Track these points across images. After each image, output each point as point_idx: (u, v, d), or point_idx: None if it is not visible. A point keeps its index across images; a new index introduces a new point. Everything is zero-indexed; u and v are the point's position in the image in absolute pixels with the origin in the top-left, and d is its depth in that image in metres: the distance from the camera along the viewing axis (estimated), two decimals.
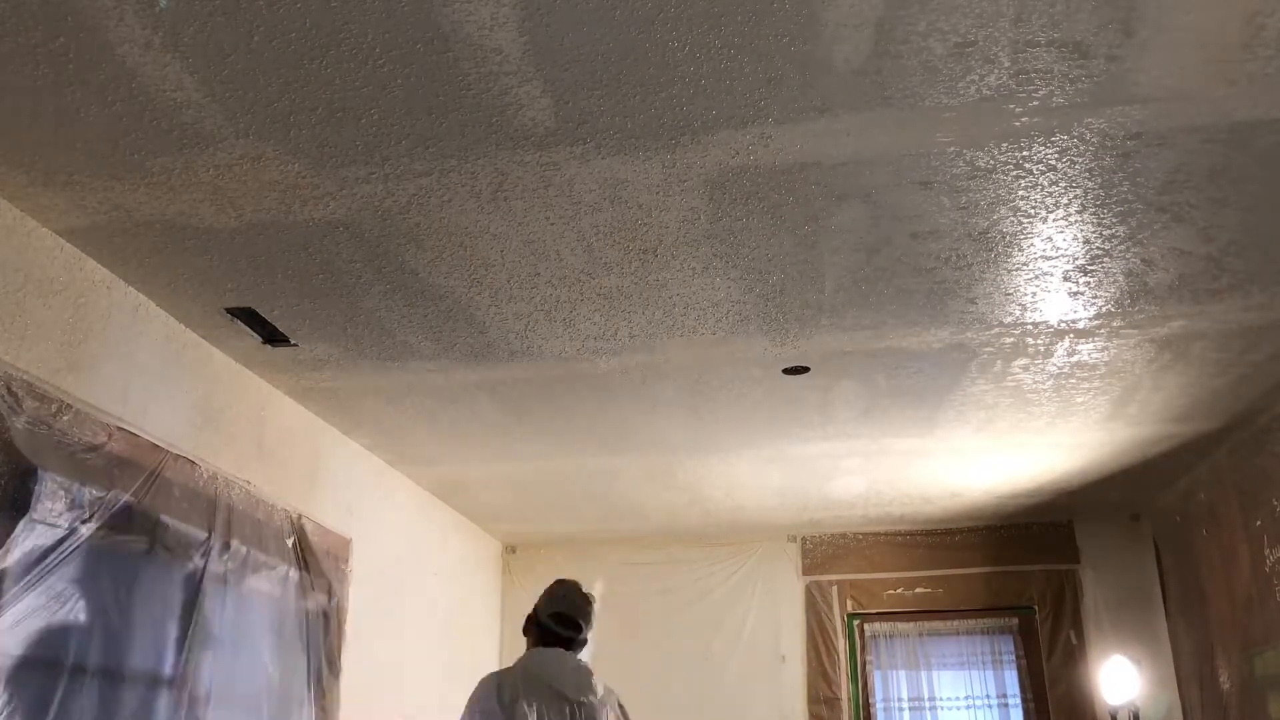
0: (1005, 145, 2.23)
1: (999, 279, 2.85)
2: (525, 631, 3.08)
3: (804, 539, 5.90)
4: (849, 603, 5.77)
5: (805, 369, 3.48)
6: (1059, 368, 3.48)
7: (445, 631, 5.09)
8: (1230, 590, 4.50)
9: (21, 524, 2.36)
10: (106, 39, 1.87)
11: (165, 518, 2.90)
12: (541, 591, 3.10)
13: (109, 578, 2.66)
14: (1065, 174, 2.34)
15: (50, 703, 2.40)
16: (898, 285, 2.88)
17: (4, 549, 2.31)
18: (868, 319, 3.10)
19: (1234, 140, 2.22)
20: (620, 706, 3.02)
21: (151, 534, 2.84)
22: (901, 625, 5.72)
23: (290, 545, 3.56)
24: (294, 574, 3.56)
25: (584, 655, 3.07)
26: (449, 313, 3.02)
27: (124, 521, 2.72)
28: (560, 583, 3.13)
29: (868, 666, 5.66)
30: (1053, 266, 2.77)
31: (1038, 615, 5.58)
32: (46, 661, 2.41)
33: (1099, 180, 2.37)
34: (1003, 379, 3.58)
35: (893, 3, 1.80)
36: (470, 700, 2.83)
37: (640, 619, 5.74)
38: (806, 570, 5.86)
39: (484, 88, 2.01)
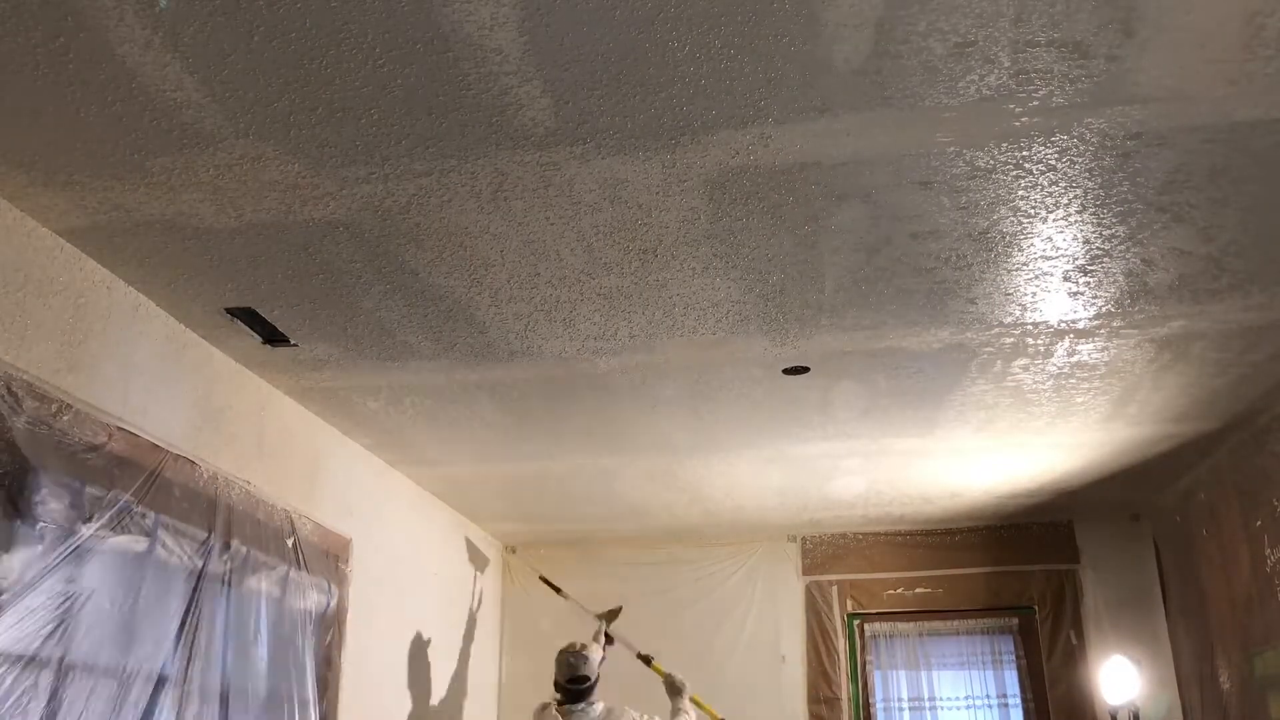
0: (1005, 145, 2.23)
1: (999, 279, 2.85)
2: (556, 688, 4.17)
3: (804, 539, 5.89)
4: (849, 603, 5.76)
5: (805, 369, 3.48)
6: (1059, 368, 3.48)
7: (445, 631, 5.09)
8: (1230, 590, 4.50)
9: (21, 524, 2.36)
10: (106, 39, 1.87)
11: (165, 517, 2.90)
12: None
13: (109, 578, 2.66)
14: (1065, 174, 2.34)
15: (50, 703, 2.40)
16: (898, 285, 2.88)
17: (4, 549, 2.31)
18: (868, 319, 3.10)
19: (1234, 140, 2.22)
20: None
21: (151, 534, 2.84)
22: (901, 625, 5.72)
23: (290, 545, 3.56)
24: (294, 574, 3.55)
25: (602, 659, 4.30)
26: (449, 313, 3.02)
27: (124, 521, 2.72)
28: (560, 652, 4.17)
29: (868, 666, 5.65)
30: (1053, 266, 2.77)
31: (1038, 615, 5.57)
32: (46, 661, 2.41)
33: (1099, 180, 2.37)
34: (1003, 379, 3.58)
35: (893, 3, 1.80)
36: None
37: (640, 619, 5.73)
38: (806, 570, 5.85)
39: (484, 88, 2.01)
